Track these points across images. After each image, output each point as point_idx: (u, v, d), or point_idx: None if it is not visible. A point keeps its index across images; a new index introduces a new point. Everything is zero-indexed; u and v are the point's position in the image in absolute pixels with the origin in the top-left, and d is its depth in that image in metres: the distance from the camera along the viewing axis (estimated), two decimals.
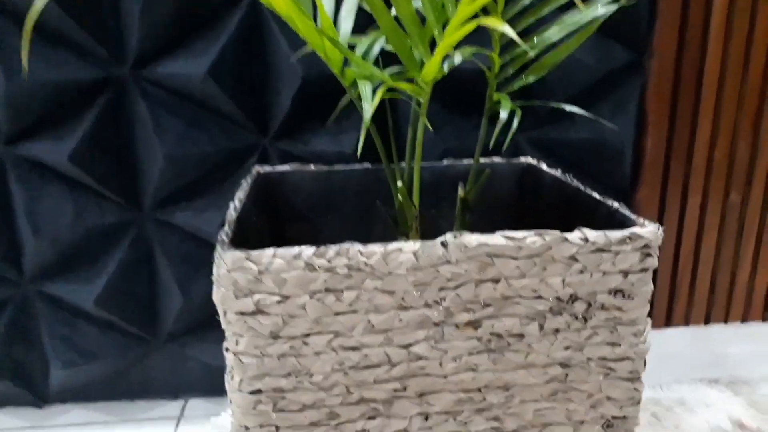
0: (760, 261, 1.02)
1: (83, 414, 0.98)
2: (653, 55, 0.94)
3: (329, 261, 0.50)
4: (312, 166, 0.83)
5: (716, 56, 0.93)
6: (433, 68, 0.50)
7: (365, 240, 0.52)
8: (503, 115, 0.54)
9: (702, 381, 0.99)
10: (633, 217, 0.57)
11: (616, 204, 0.62)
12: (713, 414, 0.91)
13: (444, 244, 0.51)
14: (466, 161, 0.84)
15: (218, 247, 0.51)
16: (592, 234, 0.53)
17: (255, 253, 0.50)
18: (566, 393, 0.56)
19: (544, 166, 0.81)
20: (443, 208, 0.82)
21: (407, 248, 0.51)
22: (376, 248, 0.51)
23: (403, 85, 0.52)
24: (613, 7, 0.68)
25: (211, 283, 0.54)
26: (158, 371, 1.00)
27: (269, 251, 0.50)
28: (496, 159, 0.87)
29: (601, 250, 0.53)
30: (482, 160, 0.87)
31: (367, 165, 0.84)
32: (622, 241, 0.53)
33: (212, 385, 1.01)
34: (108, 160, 0.88)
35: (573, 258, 0.53)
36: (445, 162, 0.85)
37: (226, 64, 0.86)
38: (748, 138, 0.96)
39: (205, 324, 0.96)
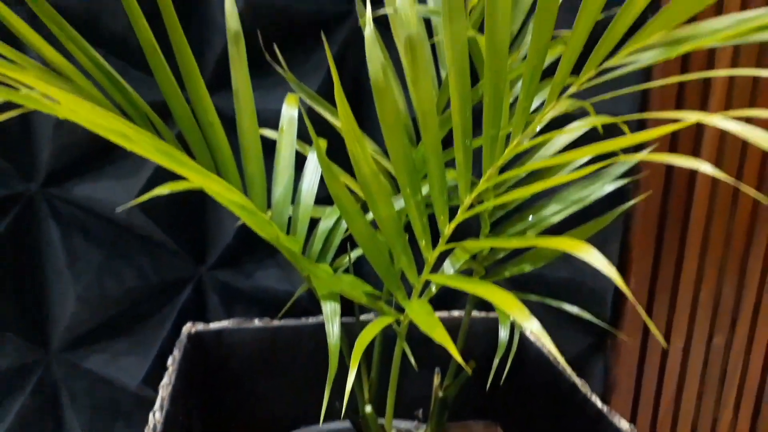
0: (742, 407, 0.95)
1: None
2: (640, 189, 0.86)
3: None
4: (256, 321, 0.70)
5: (704, 193, 0.86)
6: (419, 308, 0.39)
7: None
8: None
9: None
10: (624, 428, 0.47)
11: (601, 405, 0.52)
12: None
13: None
14: None
15: None
16: None
17: None
18: None
19: (530, 335, 0.70)
20: (405, 399, 0.61)
21: None
22: None
23: (382, 323, 0.40)
24: (621, 182, 0.59)
25: None
26: None
27: None
28: (473, 312, 0.76)
29: None
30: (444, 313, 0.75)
31: (321, 317, 0.72)
32: None
33: None
34: (7, 289, 0.73)
35: None
36: None
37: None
38: (734, 278, 0.90)
39: None
